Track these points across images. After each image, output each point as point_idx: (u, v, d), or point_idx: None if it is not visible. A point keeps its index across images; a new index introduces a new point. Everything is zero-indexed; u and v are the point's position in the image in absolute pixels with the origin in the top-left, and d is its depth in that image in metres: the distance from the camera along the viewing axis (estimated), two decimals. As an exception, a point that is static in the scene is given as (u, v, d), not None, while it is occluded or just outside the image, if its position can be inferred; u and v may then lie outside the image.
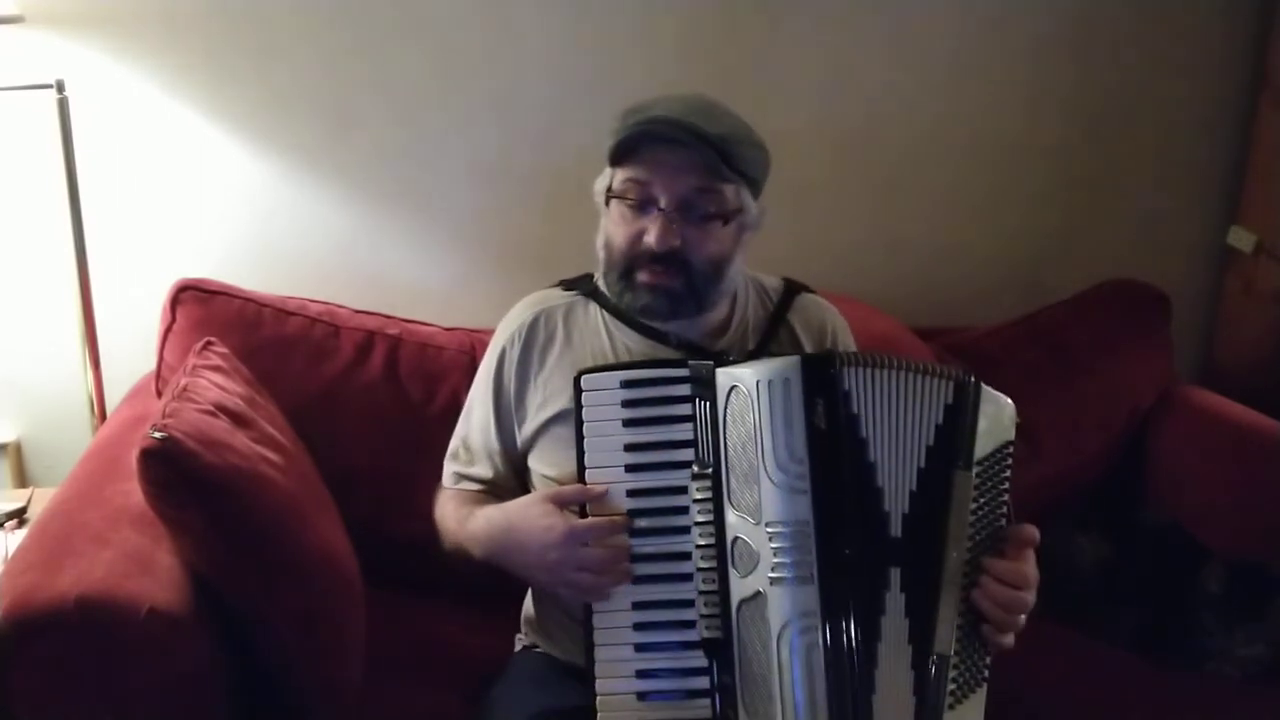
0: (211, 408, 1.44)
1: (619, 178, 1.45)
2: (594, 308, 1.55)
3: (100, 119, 1.96)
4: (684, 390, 1.34)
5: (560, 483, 1.46)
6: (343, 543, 1.54)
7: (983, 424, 1.30)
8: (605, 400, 1.36)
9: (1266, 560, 1.83)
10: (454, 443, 1.62)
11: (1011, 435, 1.33)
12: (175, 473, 1.29)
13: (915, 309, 2.23)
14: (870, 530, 1.27)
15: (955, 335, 2.21)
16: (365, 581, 1.53)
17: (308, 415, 1.74)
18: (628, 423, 1.35)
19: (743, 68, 2.18)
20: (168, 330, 1.81)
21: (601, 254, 1.50)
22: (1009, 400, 1.34)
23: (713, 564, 1.30)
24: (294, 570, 1.39)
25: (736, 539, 1.29)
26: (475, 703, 1.54)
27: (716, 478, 1.31)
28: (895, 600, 1.27)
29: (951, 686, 1.28)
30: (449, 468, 1.61)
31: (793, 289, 1.60)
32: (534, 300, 1.59)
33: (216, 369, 1.59)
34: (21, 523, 1.77)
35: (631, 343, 1.51)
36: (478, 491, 1.56)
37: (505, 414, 1.55)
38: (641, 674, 1.32)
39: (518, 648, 1.60)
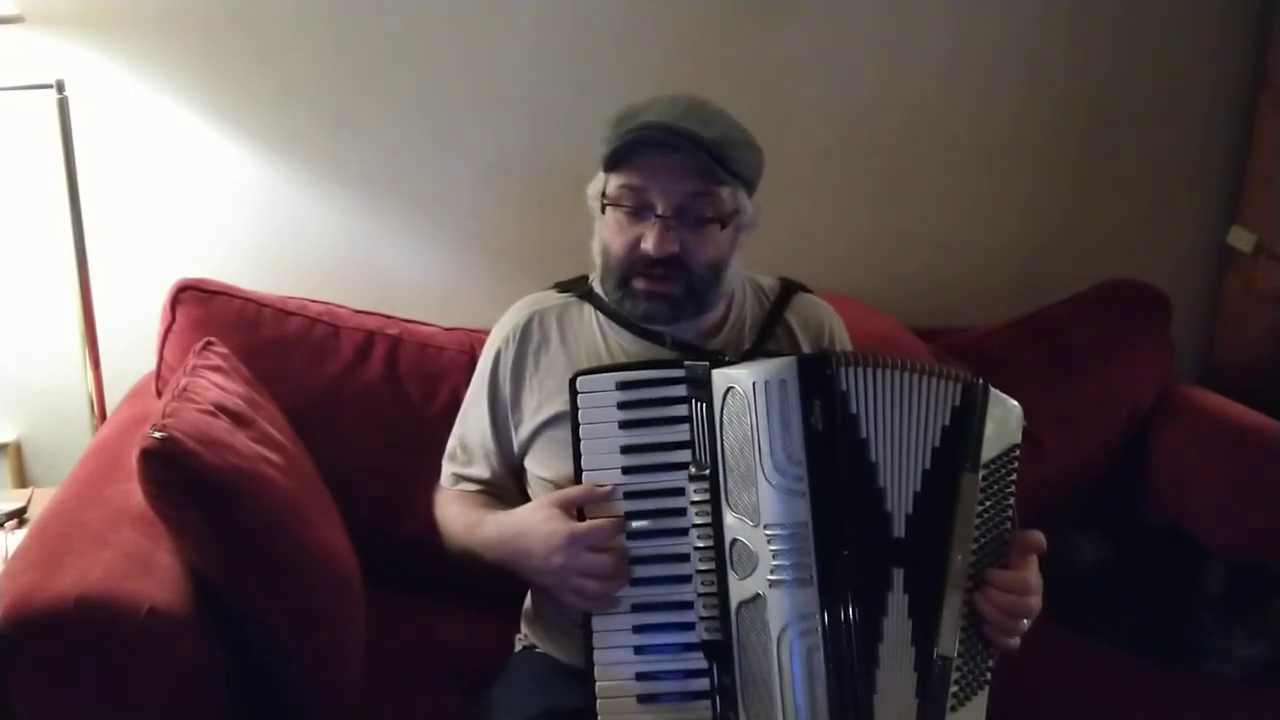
0: (211, 408, 1.44)
1: (613, 184, 1.44)
2: (589, 309, 1.55)
3: (100, 119, 1.96)
4: (680, 391, 1.34)
5: (557, 484, 1.46)
6: (343, 543, 1.53)
7: (990, 427, 1.30)
8: (601, 402, 1.36)
9: (1266, 560, 1.83)
10: (451, 443, 1.62)
11: (1018, 438, 1.33)
12: (175, 473, 1.29)
13: (915, 309, 2.23)
14: (871, 531, 1.27)
15: (955, 335, 2.21)
16: (365, 581, 1.53)
17: (308, 415, 1.74)
18: (624, 424, 1.35)
19: (742, 68, 2.18)
20: (168, 330, 1.81)
21: (598, 260, 1.50)
22: (1016, 403, 1.34)
23: (711, 566, 1.30)
24: (294, 570, 1.39)
25: (735, 541, 1.28)
26: (475, 703, 1.54)
27: (714, 479, 1.31)
28: (898, 601, 1.27)
29: (954, 688, 1.28)
30: (447, 468, 1.62)
31: (790, 288, 1.60)
32: (528, 302, 1.59)
33: (216, 369, 1.59)
34: (21, 523, 1.77)
35: (626, 344, 1.51)
36: (477, 492, 1.56)
37: (501, 416, 1.55)
38: (641, 676, 1.32)
39: (518, 648, 1.60)
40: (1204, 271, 2.51)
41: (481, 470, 1.56)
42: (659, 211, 1.41)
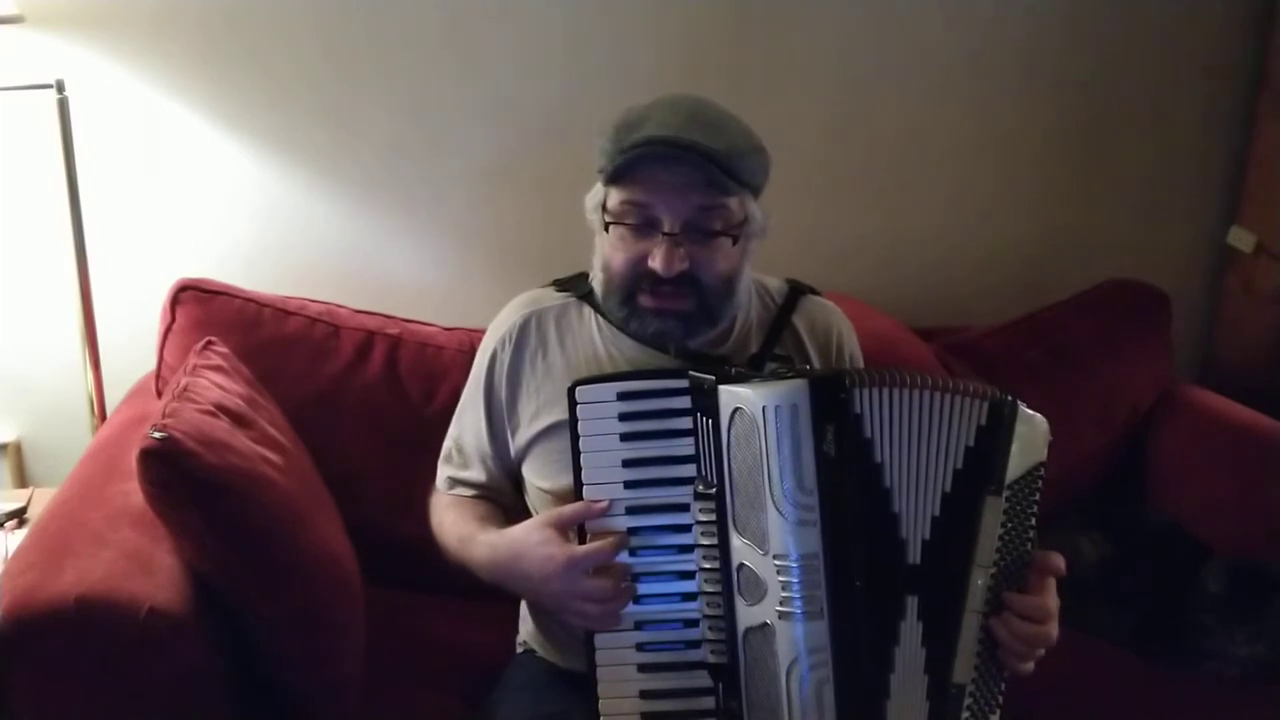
0: (211, 408, 1.44)
1: (615, 199, 1.37)
2: (588, 312, 1.50)
3: (100, 119, 1.96)
4: (684, 403, 1.28)
5: (555, 495, 1.43)
6: (342, 543, 1.53)
7: (1015, 445, 1.25)
8: (601, 413, 1.30)
9: (1266, 560, 1.83)
10: (447, 444, 1.58)
11: (1044, 455, 1.27)
12: (175, 473, 1.28)
13: (915, 309, 2.23)
14: (885, 560, 1.22)
15: (955, 335, 2.21)
16: (365, 581, 1.53)
17: (308, 415, 1.74)
18: (625, 436, 1.29)
19: (742, 68, 2.18)
20: (168, 330, 1.81)
21: (600, 276, 1.44)
22: (1043, 419, 1.28)
23: (717, 588, 1.26)
24: (294, 570, 1.38)
25: (742, 565, 1.24)
26: (475, 703, 1.53)
27: (720, 499, 1.26)
28: (911, 630, 1.23)
29: (966, 715, 1.24)
30: (442, 471, 1.58)
31: (798, 291, 1.55)
32: (525, 301, 1.54)
33: (217, 369, 1.59)
34: (21, 523, 1.77)
35: (627, 349, 1.46)
36: (474, 497, 1.53)
37: (497, 419, 1.51)
38: (646, 694, 1.29)
39: (518, 650, 1.59)
40: (1204, 271, 2.51)
41: (478, 474, 1.53)
42: (665, 229, 1.34)
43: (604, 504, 1.29)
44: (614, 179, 1.37)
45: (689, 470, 1.28)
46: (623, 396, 1.30)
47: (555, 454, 1.42)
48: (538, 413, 1.47)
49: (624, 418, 1.30)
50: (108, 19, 1.93)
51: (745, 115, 1.43)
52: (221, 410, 1.45)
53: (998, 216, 2.40)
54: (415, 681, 1.61)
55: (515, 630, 1.61)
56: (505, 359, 1.50)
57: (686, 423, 1.28)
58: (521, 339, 1.50)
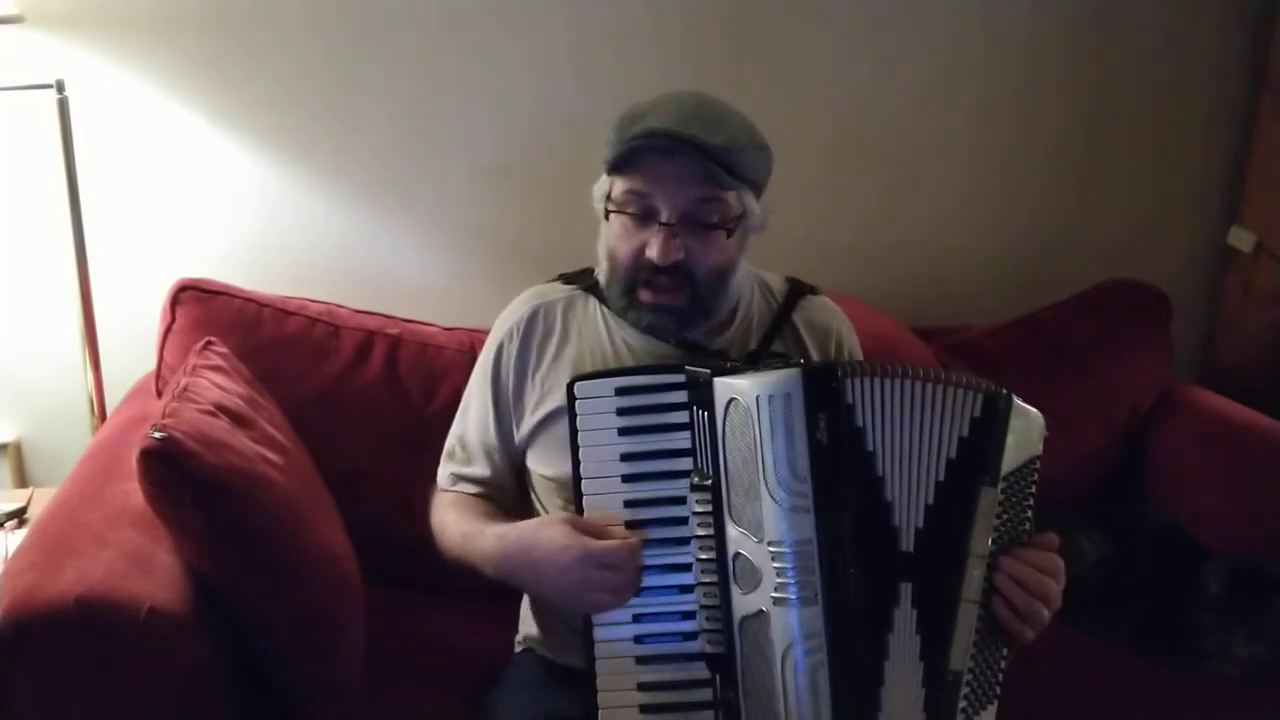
0: (211, 408, 1.44)
1: (618, 188, 1.42)
2: (593, 303, 1.53)
3: (100, 119, 1.96)
4: (680, 397, 1.31)
5: (559, 483, 1.45)
6: (342, 543, 1.53)
7: (1010, 438, 1.27)
8: (600, 408, 1.33)
9: (1266, 560, 1.83)
10: (450, 442, 1.60)
11: (1039, 449, 1.30)
12: (175, 473, 1.29)
13: (915, 309, 2.23)
14: (877, 546, 1.24)
15: (955, 335, 2.21)
16: (365, 581, 1.53)
17: (308, 415, 1.74)
18: (623, 431, 1.32)
19: (743, 67, 2.18)
20: (168, 330, 1.81)
21: (605, 264, 1.48)
22: (1038, 413, 1.30)
23: (714, 578, 1.28)
24: (293, 570, 1.38)
25: (738, 554, 1.26)
26: (475, 703, 1.54)
27: (716, 490, 1.28)
28: (905, 617, 1.24)
29: (963, 704, 1.25)
30: (445, 468, 1.60)
31: (799, 289, 1.58)
32: (533, 294, 1.57)
33: (217, 369, 1.59)
34: (21, 523, 1.77)
35: (632, 339, 1.50)
36: (476, 495, 1.55)
37: (504, 409, 1.53)
38: (644, 686, 1.29)
39: (517, 649, 1.59)
40: (1204, 271, 2.51)
41: (482, 469, 1.55)
42: (663, 219, 1.38)
43: (619, 522, 1.31)
44: (616, 168, 1.41)
45: (686, 463, 1.30)
46: (620, 391, 1.33)
47: (558, 441, 1.43)
48: (542, 399, 1.50)
49: (622, 412, 1.33)
50: (108, 19, 1.93)
51: (746, 113, 1.45)
52: (221, 410, 1.45)
53: (998, 216, 2.40)
54: (415, 681, 1.61)
55: (514, 630, 1.61)
56: (512, 350, 1.53)
57: (683, 417, 1.31)
58: (528, 330, 1.53)
